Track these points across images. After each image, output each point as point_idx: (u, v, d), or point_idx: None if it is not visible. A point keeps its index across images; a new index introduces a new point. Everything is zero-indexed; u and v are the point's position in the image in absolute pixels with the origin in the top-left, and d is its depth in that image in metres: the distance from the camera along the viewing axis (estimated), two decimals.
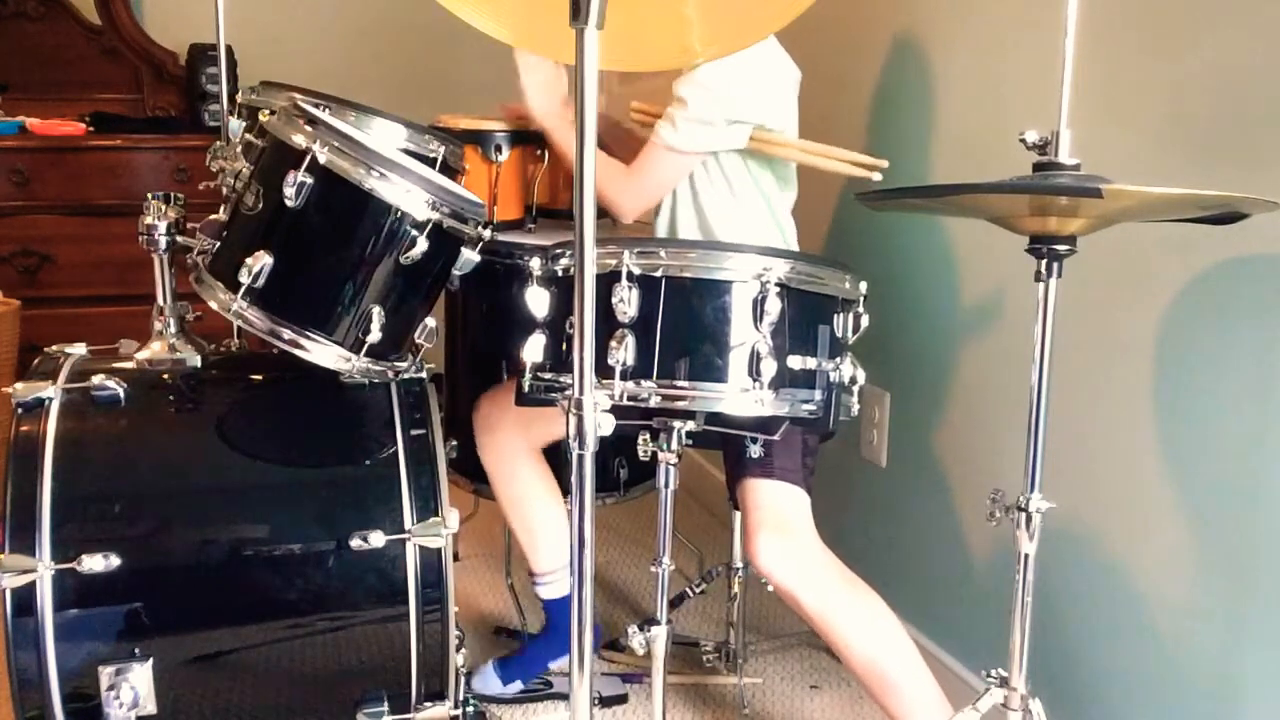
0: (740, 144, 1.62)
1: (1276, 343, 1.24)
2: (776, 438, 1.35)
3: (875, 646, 1.49)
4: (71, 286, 2.99)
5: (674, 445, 1.29)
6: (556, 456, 1.82)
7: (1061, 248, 1.19)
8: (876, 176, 1.59)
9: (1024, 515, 1.25)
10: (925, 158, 1.87)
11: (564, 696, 1.87)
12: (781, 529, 1.52)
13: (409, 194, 1.32)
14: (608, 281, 1.19)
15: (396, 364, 1.44)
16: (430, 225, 1.33)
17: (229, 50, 2.14)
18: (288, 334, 1.34)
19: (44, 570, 1.25)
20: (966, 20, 1.76)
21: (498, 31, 1.35)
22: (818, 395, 1.25)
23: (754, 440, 1.47)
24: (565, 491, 1.71)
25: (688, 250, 1.23)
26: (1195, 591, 1.36)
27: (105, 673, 1.28)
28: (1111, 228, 1.20)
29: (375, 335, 1.35)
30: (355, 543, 1.36)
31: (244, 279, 1.30)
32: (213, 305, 1.36)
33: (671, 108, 1.61)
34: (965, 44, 1.77)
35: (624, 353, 1.18)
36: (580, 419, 0.91)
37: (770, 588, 1.52)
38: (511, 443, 1.77)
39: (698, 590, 1.94)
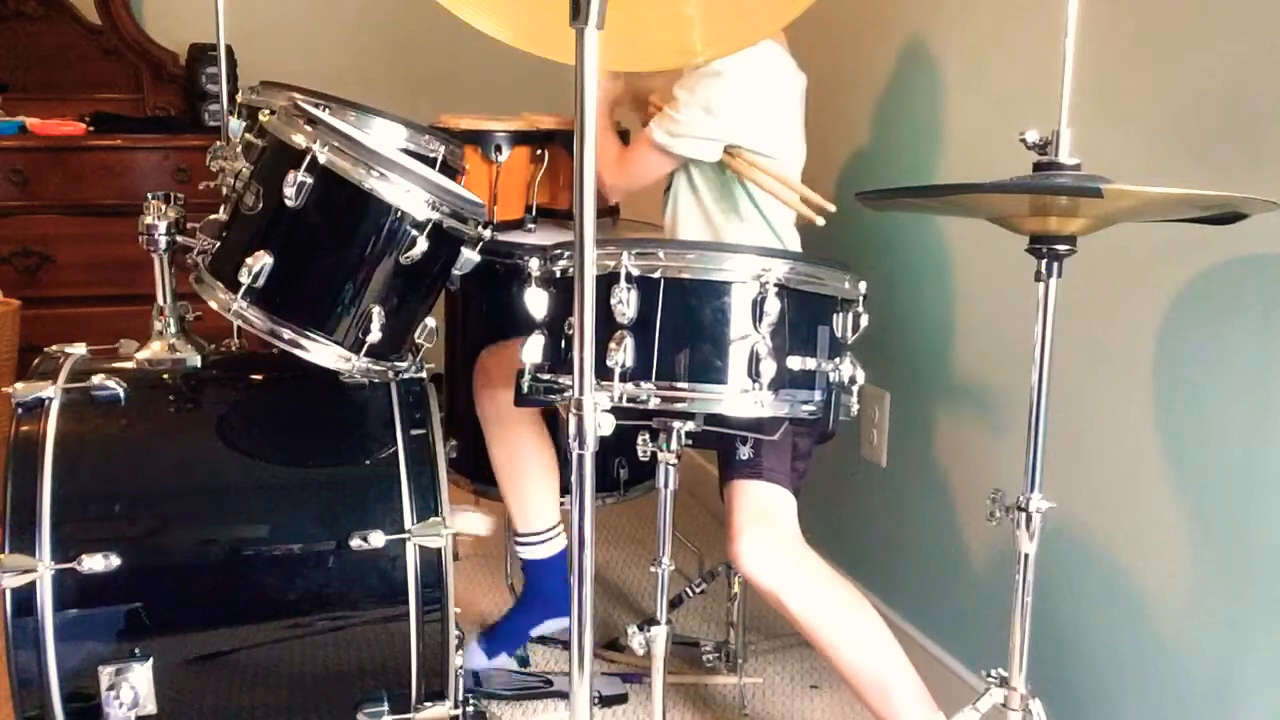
0: (714, 158, 1.64)
1: (1276, 343, 1.24)
2: (775, 438, 1.35)
3: (861, 648, 1.48)
4: (71, 286, 2.98)
5: (673, 445, 1.29)
6: (557, 455, 1.82)
7: (1061, 248, 1.19)
8: (820, 221, 1.59)
9: (1024, 515, 1.25)
10: (925, 158, 1.87)
11: (564, 696, 1.87)
12: (765, 530, 1.50)
13: (409, 194, 1.32)
14: (607, 282, 1.18)
15: (396, 364, 1.44)
16: (430, 225, 1.33)
17: (229, 50, 2.14)
18: (288, 334, 1.34)
19: (44, 570, 1.25)
20: (967, 20, 1.76)
21: (498, 31, 1.35)
22: (817, 395, 1.25)
23: (743, 442, 1.46)
24: (565, 492, 1.71)
25: (686, 251, 1.23)
26: (1195, 591, 1.36)
27: (105, 673, 1.28)
28: (1111, 228, 1.20)
29: (375, 335, 1.35)
30: (355, 543, 1.35)
31: (244, 279, 1.30)
32: (213, 305, 1.36)
33: (668, 105, 1.64)
34: (966, 44, 1.77)
35: (623, 354, 1.18)
36: (580, 419, 0.91)
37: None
38: (509, 399, 1.76)
39: (698, 590, 1.94)
